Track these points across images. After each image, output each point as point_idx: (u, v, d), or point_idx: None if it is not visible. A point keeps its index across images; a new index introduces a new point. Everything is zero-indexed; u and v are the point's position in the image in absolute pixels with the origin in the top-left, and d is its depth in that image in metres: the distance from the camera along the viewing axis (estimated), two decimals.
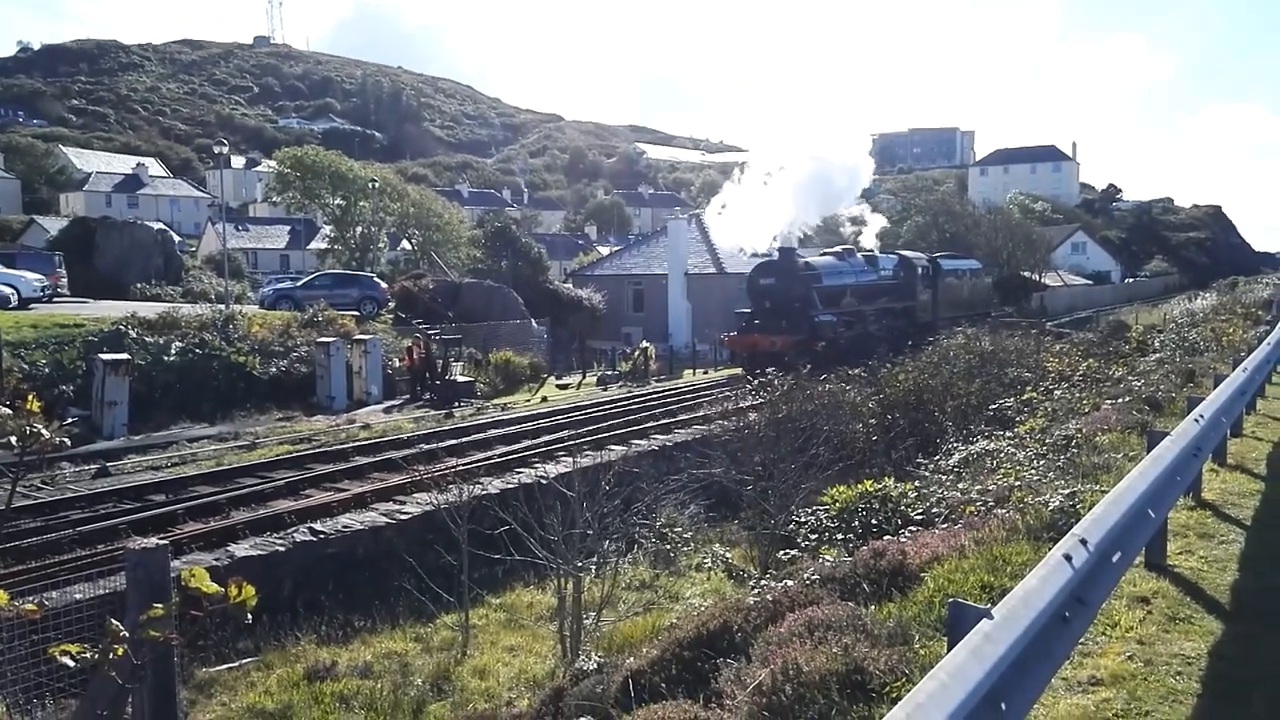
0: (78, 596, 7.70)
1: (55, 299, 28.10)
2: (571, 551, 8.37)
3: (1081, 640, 4.10)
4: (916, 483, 9.37)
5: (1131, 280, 76.80)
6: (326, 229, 57.98)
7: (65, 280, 30.33)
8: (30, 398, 2.66)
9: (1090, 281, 70.62)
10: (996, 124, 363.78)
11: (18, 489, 11.48)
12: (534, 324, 32.33)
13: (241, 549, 10.17)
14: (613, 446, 15.75)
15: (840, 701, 3.84)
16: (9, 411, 2.78)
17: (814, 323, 24.49)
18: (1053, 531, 5.67)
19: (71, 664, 2.60)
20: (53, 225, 55.12)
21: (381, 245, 55.39)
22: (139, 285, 34.88)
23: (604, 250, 67.87)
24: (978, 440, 11.31)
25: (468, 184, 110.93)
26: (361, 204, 51.17)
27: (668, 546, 11.21)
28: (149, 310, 24.10)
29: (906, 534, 6.84)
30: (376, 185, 50.61)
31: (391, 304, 32.06)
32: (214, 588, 2.69)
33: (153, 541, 6.97)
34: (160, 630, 2.80)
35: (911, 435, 14.15)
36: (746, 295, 26.67)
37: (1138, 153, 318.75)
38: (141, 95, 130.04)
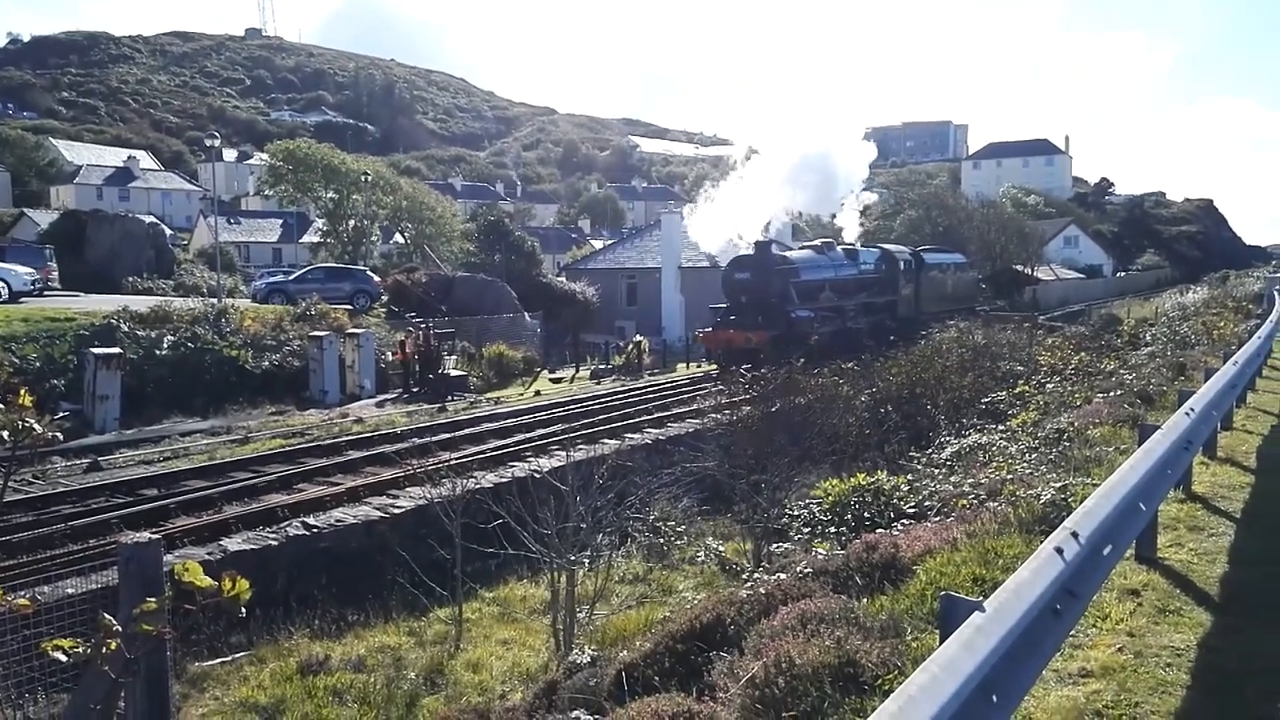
0: (70, 591, 7.69)
1: (46, 293, 27.95)
2: (565, 545, 8.38)
3: (1072, 632, 4.13)
4: (909, 476, 9.40)
5: (1123, 274, 77.00)
6: (319, 222, 57.77)
7: (56, 274, 30.14)
8: (22, 392, 2.65)
9: (1083, 275, 70.80)
10: (990, 118, 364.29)
11: (9, 484, 11.43)
12: (527, 318, 32.29)
13: (234, 543, 10.14)
14: (606, 440, 15.73)
15: (833, 694, 3.85)
16: (1, 406, 2.77)
17: (790, 318, 23.91)
18: (1044, 524, 5.70)
19: (64, 659, 2.60)
20: (43, 218, 54.77)
21: (374, 239, 55.27)
22: (130, 279, 34.74)
23: (597, 244, 67.83)
24: (970, 433, 11.36)
25: (461, 177, 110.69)
26: (354, 197, 51.02)
27: (661, 540, 11.22)
28: (141, 304, 24.01)
29: (899, 527, 6.87)
30: (369, 178, 50.46)
31: (384, 298, 31.99)
32: (207, 581, 2.68)
33: (145, 536, 6.96)
34: (153, 624, 2.80)
35: (904, 428, 14.20)
36: (721, 290, 26.06)
37: (1130, 146, 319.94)
38: (132, 87, 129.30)
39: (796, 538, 8.54)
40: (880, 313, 28.36)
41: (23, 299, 25.46)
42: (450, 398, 21.98)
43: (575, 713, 4.81)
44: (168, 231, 46.92)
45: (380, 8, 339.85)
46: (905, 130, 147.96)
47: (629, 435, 16.31)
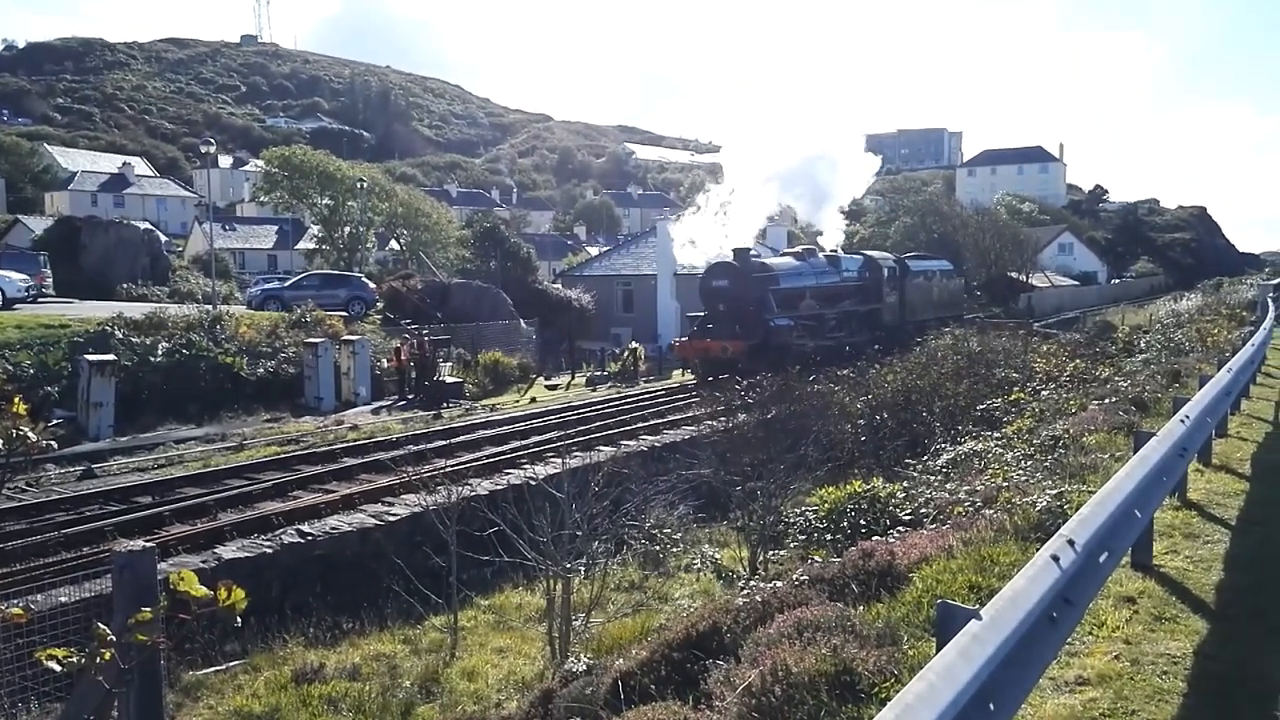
0: (63, 599, 7.65)
1: (40, 299, 27.92)
2: (560, 552, 8.37)
3: (1069, 640, 4.13)
4: (905, 483, 9.41)
5: (1118, 281, 77.24)
6: (314, 229, 57.77)
7: (50, 280, 30.14)
8: (16, 400, 2.64)
9: (1077, 282, 71.00)
10: (984, 125, 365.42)
11: (2, 492, 11.39)
12: (523, 324, 32.29)
13: (229, 551, 10.11)
14: (601, 447, 15.75)
15: (829, 702, 3.84)
16: None
17: (769, 327, 23.21)
18: (1040, 532, 5.70)
19: (59, 669, 2.59)
20: (37, 225, 54.73)
21: (370, 245, 55.26)
22: (125, 285, 34.69)
23: (593, 250, 67.88)
24: (966, 441, 11.37)
25: (456, 184, 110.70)
26: (349, 204, 51.03)
27: (657, 547, 11.20)
28: (135, 311, 23.97)
29: (895, 534, 6.87)
30: (364, 185, 50.47)
31: (380, 304, 31.98)
32: (202, 591, 2.68)
33: (139, 544, 6.93)
34: (148, 634, 2.79)
35: (900, 436, 14.21)
36: (699, 298, 25.52)
37: (1124, 154, 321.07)
38: (127, 94, 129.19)
39: (793, 545, 8.54)
40: (864, 321, 27.81)
41: (17, 306, 25.42)
42: (446, 405, 21.96)
43: None
44: (162, 238, 46.88)
45: (376, 14, 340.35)
46: (900, 137, 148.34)
47: (625, 442, 16.30)
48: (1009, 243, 60.59)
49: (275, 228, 73.55)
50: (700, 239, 25.15)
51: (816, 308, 25.78)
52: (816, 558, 6.82)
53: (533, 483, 11.47)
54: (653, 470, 13.44)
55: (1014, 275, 59.53)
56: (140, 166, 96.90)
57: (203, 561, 9.66)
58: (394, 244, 58.58)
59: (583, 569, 8.96)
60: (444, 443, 16.09)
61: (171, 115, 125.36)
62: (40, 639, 5.84)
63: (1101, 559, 4.19)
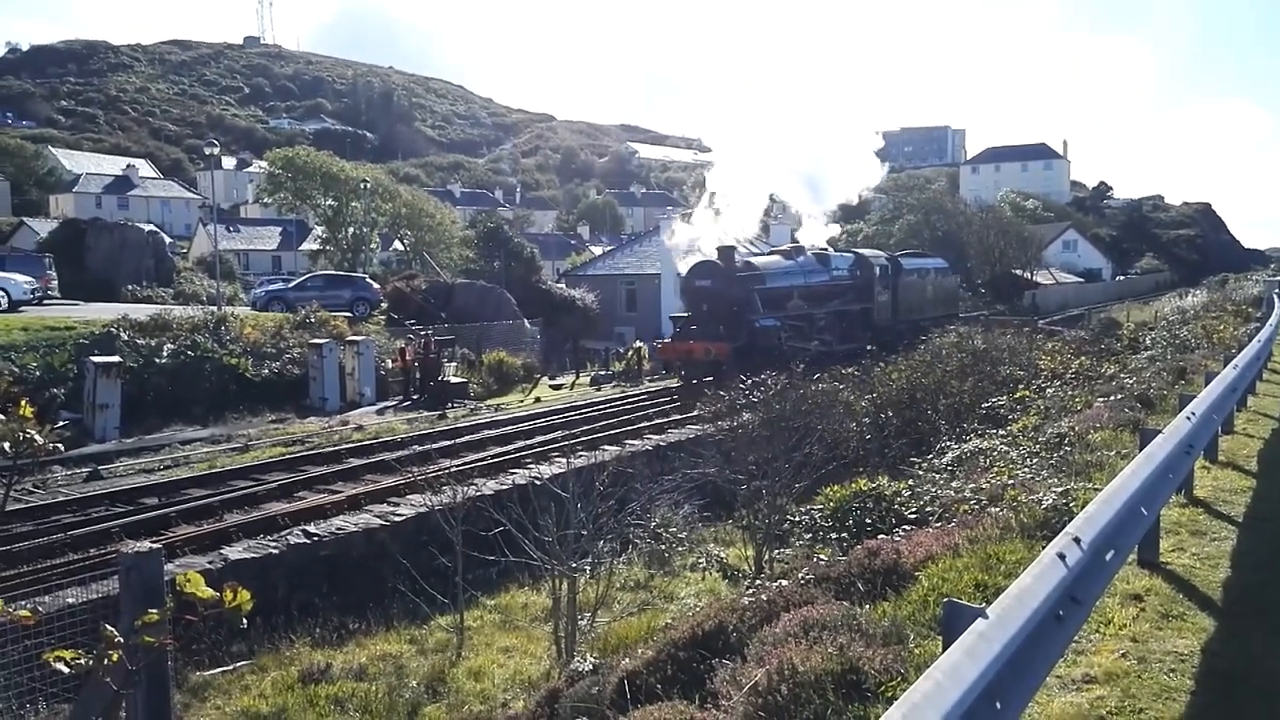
0: (70, 601, 7.67)
1: (46, 301, 28.00)
2: (566, 552, 8.37)
3: (1075, 638, 4.12)
4: (910, 481, 9.40)
5: (1122, 278, 77.11)
6: (318, 230, 57.88)
7: (55, 282, 30.20)
8: (23, 403, 2.65)
9: (1082, 279, 70.91)
10: (988, 122, 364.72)
11: (10, 494, 11.42)
12: (527, 324, 32.29)
13: (235, 552, 10.13)
14: (606, 447, 15.74)
15: (836, 701, 3.84)
16: (1, 417, 2.77)
17: (754, 328, 22.31)
18: (1046, 530, 5.69)
19: (66, 670, 2.60)
20: (42, 227, 54.93)
21: (374, 246, 55.34)
22: (130, 287, 34.78)
23: (596, 250, 67.90)
24: (971, 439, 11.36)
25: (460, 184, 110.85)
26: (353, 204, 51.14)
27: (662, 547, 11.21)
28: (140, 312, 24.01)
29: (900, 533, 6.86)
30: (368, 186, 50.56)
31: (384, 305, 32.01)
32: (209, 593, 2.68)
33: (146, 545, 6.94)
34: (155, 635, 2.80)
35: (905, 434, 14.20)
36: (682, 299, 24.31)
37: (1128, 150, 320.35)
38: (131, 96, 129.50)
39: (798, 544, 8.54)
40: (854, 321, 26.99)
41: (22, 308, 25.49)
42: (450, 405, 21.97)
43: None
44: (167, 240, 46.91)
45: (378, 16, 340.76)
46: (903, 135, 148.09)
47: (630, 441, 16.30)
48: (1013, 240, 60.56)
49: (279, 229, 73.70)
50: (702, 240, 24.70)
51: (805, 308, 24.85)
52: (822, 556, 6.82)
53: (538, 482, 11.47)
54: (657, 469, 13.45)
55: (1018, 272, 59.48)
56: (144, 168, 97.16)
57: (209, 562, 9.67)
58: (398, 244, 58.67)
59: (588, 568, 8.96)
60: (449, 443, 16.10)
61: (175, 117, 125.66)
62: (48, 640, 5.85)
63: (1108, 557, 4.19)
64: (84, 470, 14.78)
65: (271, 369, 22.29)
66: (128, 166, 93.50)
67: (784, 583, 5.62)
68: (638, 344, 30.11)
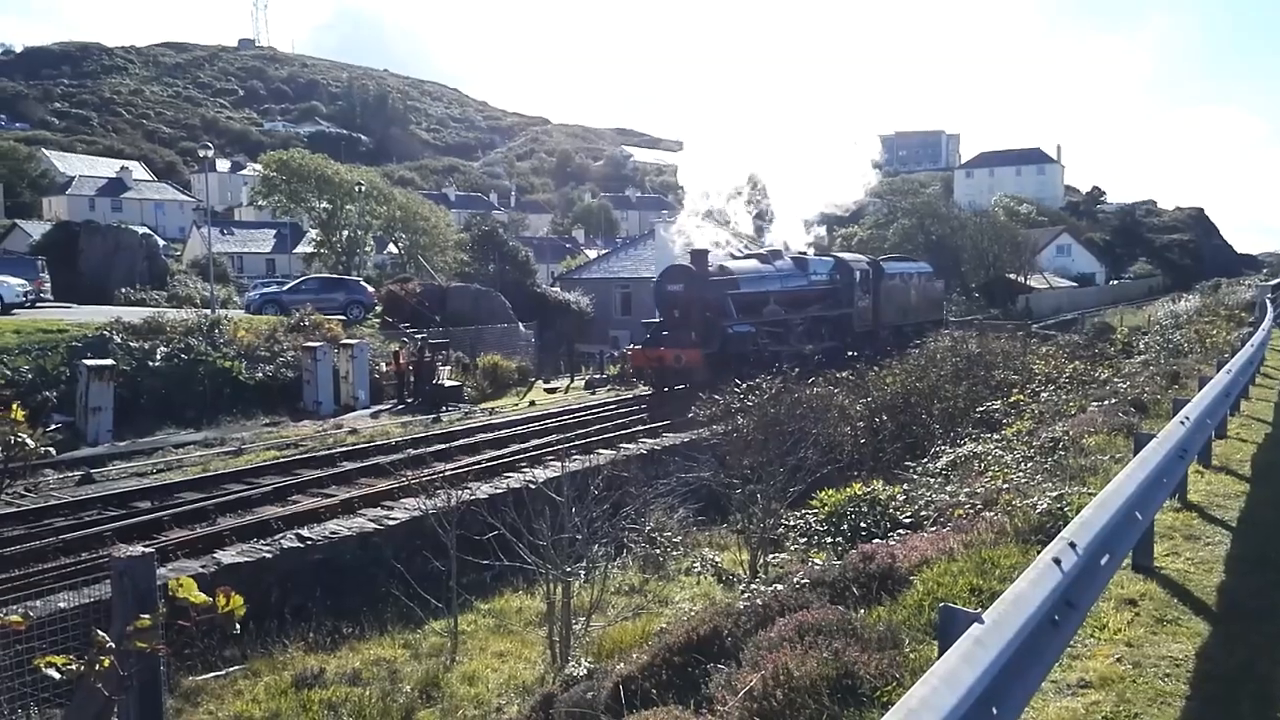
0: (62, 605, 7.65)
1: (38, 304, 27.89)
2: (560, 556, 8.36)
3: (1071, 643, 4.12)
4: (905, 486, 9.40)
5: (1116, 282, 77.32)
6: (312, 233, 57.82)
7: (48, 285, 30.12)
8: (14, 406, 2.63)
9: (1075, 284, 71.06)
10: (981, 127, 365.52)
11: (1, 497, 11.37)
12: (521, 328, 32.28)
13: (228, 556, 10.10)
14: (601, 451, 15.74)
15: (831, 706, 3.84)
16: None
17: (727, 334, 21.57)
18: (1040, 534, 5.70)
19: (57, 676, 2.58)
20: (35, 229, 54.73)
21: (368, 249, 55.34)
22: (123, 290, 34.70)
23: (591, 253, 67.89)
24: (965, 443, 11.37)
25: (454, 187, 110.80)
26: (348, 207, 51.09)
27: (657, 551, 11.19)
28: (133, 315, 23.93)
29: (895, 537, 6.87)
30: (363, 189, 50.53)
31: (378, 308, 31.96)
32: (202, 598, 2.66)
33: (138, 549, 6.91)
34: (148, 640, 2.78)
35: (899, 438, 14.21)
36: (654, 304, 23.52)
37: (1122, 155, 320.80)
38: (125, 98, 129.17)
39: (793, 548, 8.53)
40: (834, 327, 26.11)
41: (15, 310, 25.39)
42: (445, 408, 21.93)
43: None
44: (161, 242, 46.90)
45: (373, 19, 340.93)
46: (897, 139, 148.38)
47: (624, 445, 16.30)
48: (1007, 244, 60.72)
49: (273, 232, 73.60)
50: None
51: (781, 313, 24.21)
52: (817, 560, 6.81)
53: (532, 486, 11.46)
54: (652, 473, 13.43)
55: (1012, 277, 59.64)
56: (138, 171, 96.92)
57: (202, 566, 9.64)
58: (392, 247, 58.62)
59: (583, 573, 8.95)
60: (443, 446, 16.08)
61: (169, 119, 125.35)
62: (40, 645, 5.82)
63: (1103, 561, 4.19)
64: (76, 473, 14.72)
65: (265, 372, 22.23)
66: (121, 169, 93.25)
67: (779, 587, 5.62)
68: (633, 347, 30.00)
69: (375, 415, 21.65)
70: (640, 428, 17.93)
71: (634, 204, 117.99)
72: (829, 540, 8.26)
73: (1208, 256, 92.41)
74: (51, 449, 2.74)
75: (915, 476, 9.96)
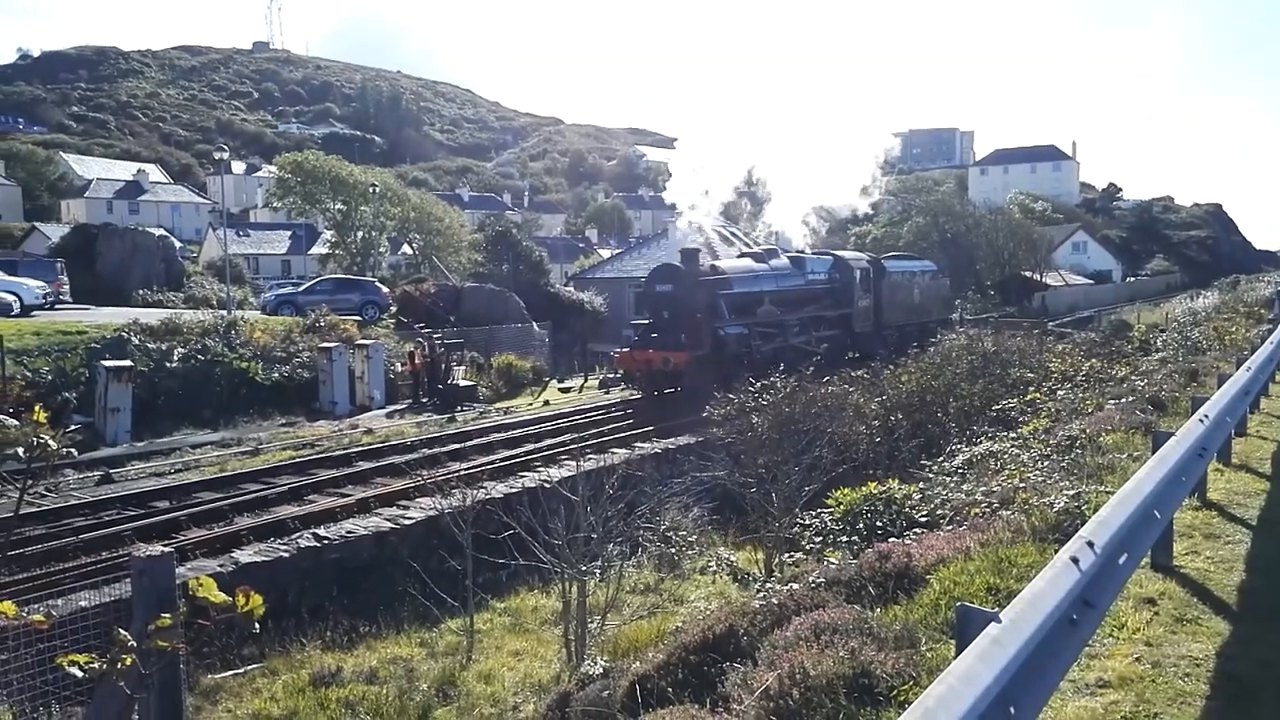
0: (83, 604, 7.71)
1: (57, 306, 28.14)
2: (576, 555, 8.38)
3: (1089, 642, 4.10)
4: (920, 484, 9.37)
5: (1133, 279, 76.75)
6: (327, 234, 58.10)
7: (67, 287, 30.36)
8: (37, 409, 2.67)
9: (1091, 281, 70.57)
10: (996, 124, 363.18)
11: (24, 498, 11.47)
12: (535, 327, 32.34)
13: (245, 555, 10.16)
14: (615, 450, 15.75)
15: (848, 705, 3.84)
16: (15, 422, 2.78)
17: (717, 336, 20.83)
18: (1058, 533, 5.67)
19: (80, 674, 2.61)
20: (54, 232, 55.23)
21: (382, 250, 55.51)
22: (141, 291, 34.94)
23: (605, 253, 67.89)
24: (981, 441, 11.32)
25: (468, 188, 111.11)
26: (362, 209, 51.27)
27: (672, 550, 11.20)
28: (151, 316, 24.12)
29: (911, 536, 6.85)
30: (377, 190, 50.69)
31: (393, 309, 32.08)
32: (222, 597, 2.69)
33: (158, 549, 6.97)
34: (169, 640, 2.81)
35: (915, 437, 14.17)
36: (643, 305, 22.72)
37: (1138, 151, 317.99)
38: (141, 101, 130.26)
39: (808, 547, 8.52)
40: (833, 328, 25.46)
41: (34, 312, 25.62)
42: (460, 408, 22.00)
43: None
44: (177, 244, 47.20)
45: (386, 21, 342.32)
46: (911, 137, 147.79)
47: (638, 444, 16.30)
48: (1022, 242, 60.32)
49: (288, 233, 74.03)
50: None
51: (777, 314, 23.39)
52: (833, 560, 6.80)
53: (547, 485, 11.49)
54: (667, 472, 13.45)
55: (1028, 275, 59.25)
56: (155, 173, 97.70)
57: (219, 566, 9.71)
58: (406, 248, 58.82)
59: (598, 571, 8.97)
60: (458, 446, 16.13)
61: (185, 122, 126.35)
62: (61, 644, 5.88)
63: (1121, 560, 4.17)
64: (96, 473, 14.86)
65: (281, 373, 22.35)
66: (138, 171, 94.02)
67: (794, 586, 5.61)
68: None
69: (390, 415, 21.74)
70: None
71: (647, 203, 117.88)
72: (844, 539, 8.24)
73: (1226, 253, 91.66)
74: (74, 450, 2.78)
75: (931, 475, 9.93)
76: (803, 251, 27.26)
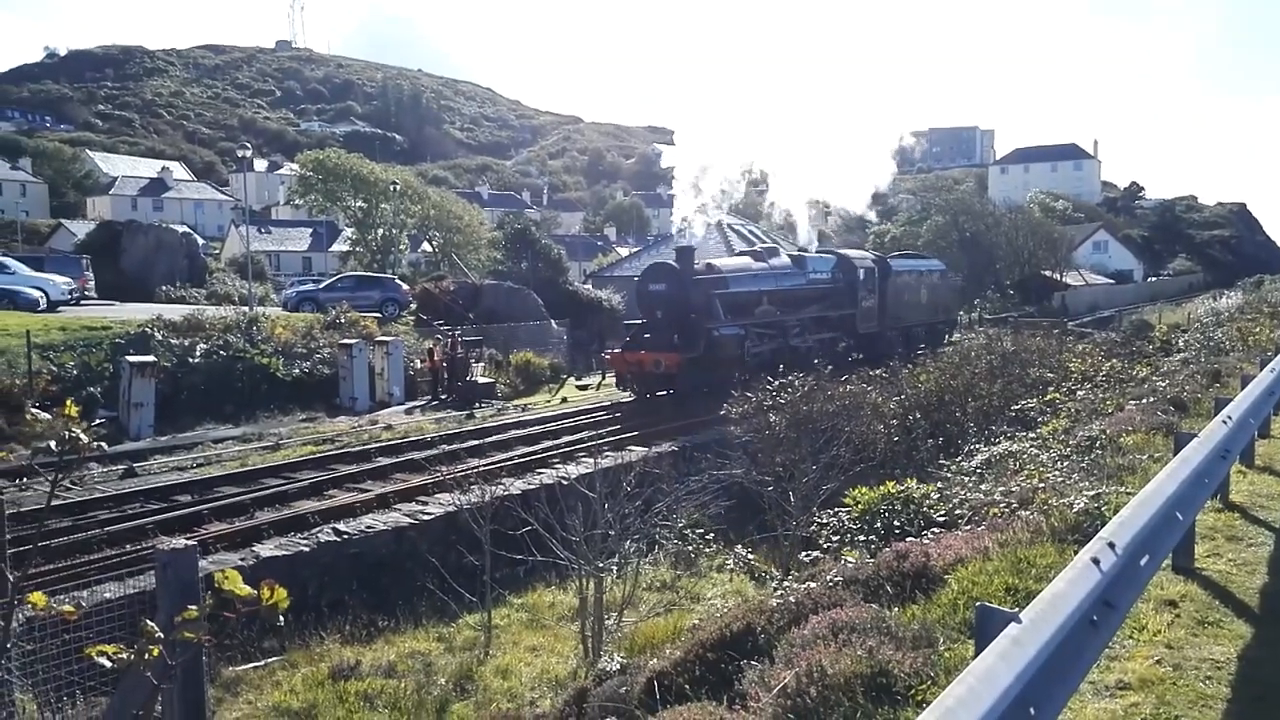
0: (107, 595, 7.82)
1: (83, 302, 28.49)
2: (593, 552, 8.40)
3: (1110, 644, 4.08)
4: (939, 484, 9.33)
5: (1154, 279, 76.02)
6: (348, 231, 58.47)
7: (92, 283, 30.74)
8: (69, 403, 2.71)
9: (1112, 281, 69.95)
10: (1016, 123, 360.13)
11: (55, 491, 11.62)
12: (553, 325, 32.39)
13: (266, 549, 10.26)
14: (633, 447, 15.77)
15: (865, 704, 3.84)
16: (47, 416, 2.83)
17: (712, 337, 20.07)
18: (1077, 534, 5.64)
19: (109, 664, 2.65)
20: (80, 229, 55.88)
21: (402, 247, 55.77)
22: (164, 288, 35.31)
23: (623, 251, 68.00)
24: (1000, 441, 11.26)
25: (487, 186, 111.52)
26: (383, 206, 51.55)
27: (689, 547, 11.21)
28: (174, 312, 24.38)
29: (929, 535, 6.82)
30: (397, 187, 50.94)
31: (413, 306, 32.25)
32: (246, 590, 2.72)
33: (181, 542, 7.05)
34: (194, 631, 2.85)
35: (933, 436, 14.09)
36: (637, 305, 22.21)
37: (1161, 150, 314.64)
38: (166, 99, 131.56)
39: (826, 546, 8.51)
40: (835, 328, 24.76)
41: (60, 308, 25.95)
42: (478, 405, 22.09)
43: None
44: (200, 241, 47.62)
45: (407, 20, 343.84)
46: (931, 135, 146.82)
47: (655, 442, 16.31)
48: (1042, 241, 59.84)
49: (310, 230, 74.51)
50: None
51: (776, 314, 22.73)
52: (850, 558, 6.79)
53: (565, 482, 11.53)
54: (684, 470, 13.44)
55: (1048, 274, 58.81)
56: (178, 171, 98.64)
57: (241, 559, 9.81)
58: (426, 246, 59.10)
59: (615, 568, 8.99)
60: (477, 442, 16.18)
61: (208, 120, 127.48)
62: (86, 635, 5.96)
63: (1142, 562, 4.14)
64: (119, 467, 15.02)
65: (302, 369, 22.52)
66: (162, 169, 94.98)
67: (812, 585, 5.61)
68: None
69: (410, 411, 21.85)
70: (671, 425, 17.87)
71: (665, 202, 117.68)
72: (862, 538, 8.22)
73: (1250, 253, 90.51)
74: (103, 444, 2.82)
75: (949, 475, 9.89)
76: (805, 250, 26.70)
